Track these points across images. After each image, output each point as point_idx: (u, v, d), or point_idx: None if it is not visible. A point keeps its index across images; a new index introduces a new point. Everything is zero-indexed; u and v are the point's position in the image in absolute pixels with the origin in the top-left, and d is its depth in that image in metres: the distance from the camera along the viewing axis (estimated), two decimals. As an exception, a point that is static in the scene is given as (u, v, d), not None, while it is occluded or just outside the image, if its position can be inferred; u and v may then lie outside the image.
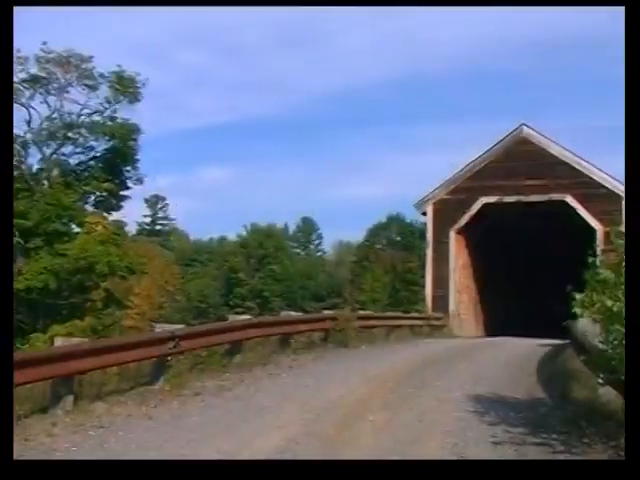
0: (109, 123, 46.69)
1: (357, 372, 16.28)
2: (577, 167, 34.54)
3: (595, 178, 34.10)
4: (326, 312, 25.28)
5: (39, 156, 46.37)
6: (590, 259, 10.99)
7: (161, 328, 15.24)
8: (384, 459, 8.76)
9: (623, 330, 9.77)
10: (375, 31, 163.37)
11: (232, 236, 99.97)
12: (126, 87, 45.94)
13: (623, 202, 31.70)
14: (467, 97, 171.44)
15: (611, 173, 34.11)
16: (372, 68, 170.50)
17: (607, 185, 33.70)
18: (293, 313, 23.20)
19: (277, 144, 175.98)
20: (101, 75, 45.92)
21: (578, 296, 10.58)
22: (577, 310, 10.62)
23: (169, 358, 14.17)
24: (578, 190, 34.08)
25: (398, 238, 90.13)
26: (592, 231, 32.54)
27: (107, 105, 46.62)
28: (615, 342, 10.08)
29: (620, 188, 32.62)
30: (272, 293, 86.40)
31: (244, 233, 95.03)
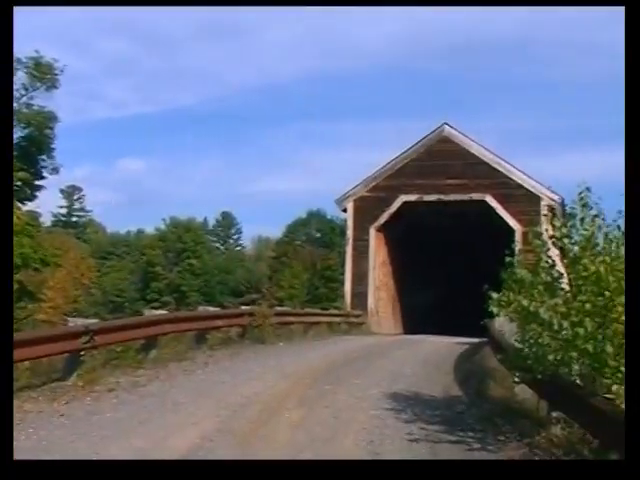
0: (25, 110, 45.68)
1: (274, 369, 16.27)
2: (497, 167, 35.00)
3: (514, 179, 34.59)
4: (244, 308, 25.20)
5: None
6: (508, 259, 11.15)
7: (75, 322, 15.00)
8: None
9: (539, 329, 9.95)
10: (299, 26, 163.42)
11: (150, 229, 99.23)
12: (43, 73, 44.98)
13: (542, 203, 32.33)
14: (391, 95, 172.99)
15: (531, 174, 34.75)
16: (295, 63, 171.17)
17: (526, 186, 34.21)
18: (210, 308, 23.05)
19: (198, 137, 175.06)
20: (18, 60, 44.86)
21: (495, 295, 10.74)
22: (493, 309, 10.76)
23: (82, 353, 13.93)
24: (497, 190, 34.56)
25: (318, 234, 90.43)
26: (511, 231, 32.89)
27: (23, 92, 45.64)
28: (531, 341, 10.25)
29: (539, 189, 33.18)
30: (190, 288, 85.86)
31: (163, 226, 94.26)
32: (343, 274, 38.08)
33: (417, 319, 38.35)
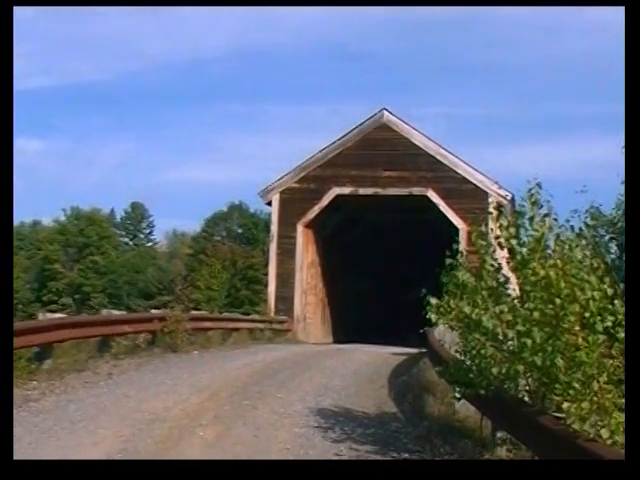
0: None
1: (186, 381, 16.18)
2: (440, 159, 35.01)
3: (460, 172, 34.66)
4: (154, 312, 25.09)
5: None
6: (449, 260, 11.07)
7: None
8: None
9: (482, 339, 10.01)
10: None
11: (48, 221, 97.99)
12: None
13: (490, 199, 32.50)
14: (325, 77, 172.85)
15: (478, 167, 35.00)
16: (220, 38, 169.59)
17: (472, 180, 34.33)
18: (115, 312, 22.93)
19: (106, 116, 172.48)
20: None
21: (433, 301, 10.71)
22: (432, 316, 10.72)
23: (-36, 363, 13.68)
24: (441, 184, 34.65)
25: (240, 230, 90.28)
26: (455, 230, 32.73)
27: None
28: (473, 352, 10.29)
29: (486, 184, 33.34)
30: (93, 288, 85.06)
31: (62, 218, 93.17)
32: (267, 275, 37.95)
33: (350, 327, 38.45)
